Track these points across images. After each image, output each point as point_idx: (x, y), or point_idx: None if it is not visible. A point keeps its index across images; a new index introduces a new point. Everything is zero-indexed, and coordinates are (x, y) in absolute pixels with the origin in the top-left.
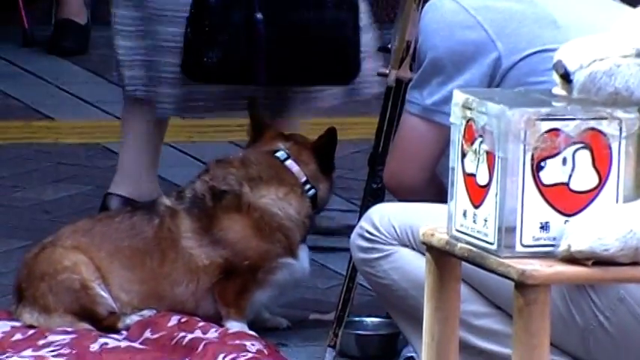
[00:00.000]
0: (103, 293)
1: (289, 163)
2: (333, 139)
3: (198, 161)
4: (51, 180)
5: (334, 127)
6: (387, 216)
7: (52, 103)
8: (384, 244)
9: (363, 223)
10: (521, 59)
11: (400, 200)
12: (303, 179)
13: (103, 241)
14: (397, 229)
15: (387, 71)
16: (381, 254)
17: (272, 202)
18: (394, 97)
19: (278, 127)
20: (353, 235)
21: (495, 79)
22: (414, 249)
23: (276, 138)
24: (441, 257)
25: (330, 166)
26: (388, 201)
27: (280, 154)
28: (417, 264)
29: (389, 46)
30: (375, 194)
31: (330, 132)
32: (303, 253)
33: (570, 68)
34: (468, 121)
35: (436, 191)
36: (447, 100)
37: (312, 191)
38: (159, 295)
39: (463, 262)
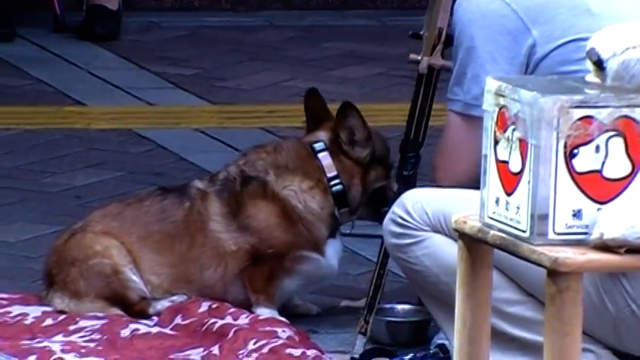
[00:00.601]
0: (134, 278)
1: (323, 155)
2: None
3: (229, 147)
4: (82, 165)
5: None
6: (419, 202)
7: (84, 88)
8: (417, 230)
9: (396, 208)
10: (555, 48)
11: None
12: (332, 174)
13: (133, 225)
14: (430, 215)
15: (419, 58)
16: (413, 240)
17: (294, 193)
18: (426, 84)
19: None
20: (385, 221)
21: (529, 67)
22: (446, 235)
23: (329, 128)
24: (473, 244)
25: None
26: (420, 187)
27: (318, 145)
28: (449, 250)
29: (421, 32)
30: (406, 181)
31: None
32: (331, 249)
33: (603, 56)
34: (500, 109)
35: None
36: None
37: (338, 187)
38: (188, 278)
39: (495, 249)
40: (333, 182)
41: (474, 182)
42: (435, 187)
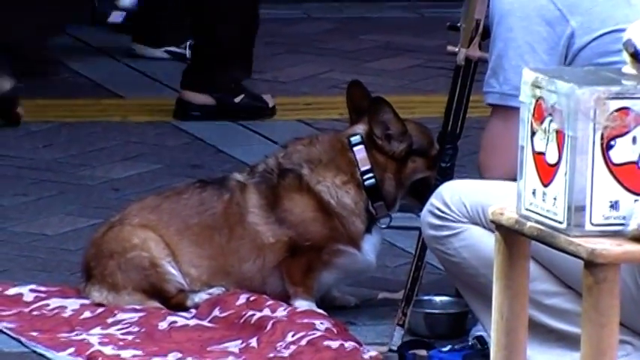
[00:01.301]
0: (172, 270)
1: (358, 149)
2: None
3: (267, 139)
4: (120, 158)
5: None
6: (458, 194)
7: (121, 81)
8: (455, 221)
9: (434, 200)
10: (593, 39)
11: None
12: (365, 168)
13: (171, 218)
14: (468, 207)
15: (457, 50)
16: (451, 232)
17: (326, 188)
18: (463, 76)
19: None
20: (424, 212)
21: (567, 58)
22: (484, 227)
23: (368, 120)
24: (511, 236)
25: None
26: (458, 179)
27: (354, 139)
28: (487, 242)
29: (458, 24)
30: (444, 173)
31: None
32: (368, 245)
33: None
34: (537, 100)
35: None
36: None
37: (370, 181)
38: (227, 270)
39: (533, 241)
40: (366, 176)
41: (514, 175)
42: (473, 178)
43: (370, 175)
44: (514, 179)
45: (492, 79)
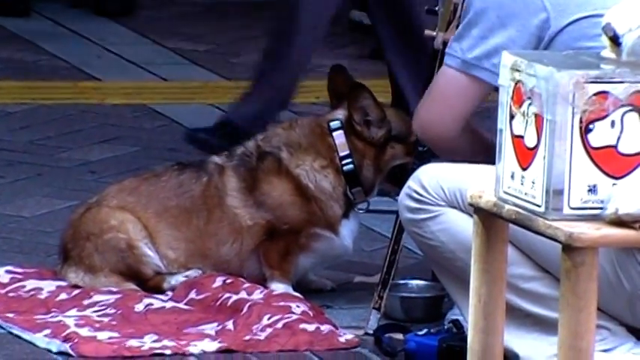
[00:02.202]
0: (149, 252)
1: (337, 134)
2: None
3: None
4: (97, 140)
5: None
6: (435, 177)
7: (99, 63)
8: (433, 205)
9: (412, 183)
10: (570, 23)
11: (440, 154)
12: (344, 153)
13: (149, 200)
14: (446, 191)
15: (434, 34)
16: (429, 215)
17: (305, 172)
18: (441, 60)
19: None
20: (401, 196)
21: (543, 42)
22: (462, 211)
23: (347, 106)
24: (489, 219)
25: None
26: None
27: (334, 124)
28: (465, 226)
29: (436, 8)
30: (421, 157)
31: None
32: (346, 229)
33: (619, 31)
34: (516, 83)
35: (470, 140)
36: (488, 55)
37: (349, 166)
38: (205, 253)
39: (511, 225)
40: (344, 161)
41: (448, 137)
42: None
43: (349, 160)
44: (445, 143)
45: (456, 44)
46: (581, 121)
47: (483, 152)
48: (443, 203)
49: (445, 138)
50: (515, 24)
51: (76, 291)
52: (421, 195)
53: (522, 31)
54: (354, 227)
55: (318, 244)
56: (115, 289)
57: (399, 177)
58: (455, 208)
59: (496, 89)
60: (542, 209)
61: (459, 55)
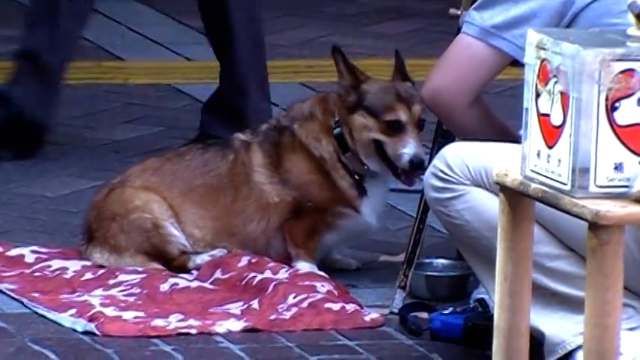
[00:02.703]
0: (175, 232)
1: (335, 100)
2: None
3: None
4: (121, 120)
5: None
6: (461, 156)
7: (122, 43)
8: (458, 183)
9: (437, 162)
10: (595, 0)
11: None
12: (337, 118)
13: (174, 180)
14: (471, 169)
15: (459, 12)
16: (454, 194)
17: (312, 141)
18: None
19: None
20: (426, 174)
21: (566, 18)
22: (487, 189)
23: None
24: (515, 197)
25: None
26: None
27: (335, 90)
28: (490, 205)
29: None
30: (445, 135)
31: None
32: (367, 207)
33: None
34: (542, 62)
35: (479, 118)
36: (508, 25)
37: (337, 130)
38: (232, 231)
39: (537, 203)
40: (336, 125)
41: (457, 108)
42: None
43: (338, 124)
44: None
45: (475, 12)
46: (607, 99)
47: (493, 134)
48: (468, 182)
49: (454, 108)
50: None
51: (102, 270)
52: (446, 174)
53: (545, 5)
54: (377, 205)
55: (342, 221)
56: (140, 269)
57: (388, 160)
58: (480, 187)
59: (513, 62)
60: (568, 187)
61: (477, 22)
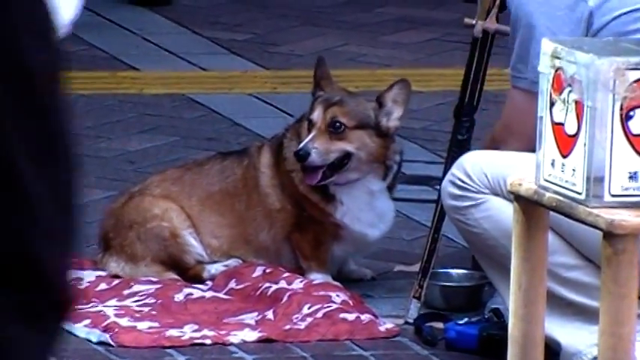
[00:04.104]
0: (192, 242)
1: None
2: None
3: (283, 112)
4: (135, 130)
5: None
6: (479, 164)
7: (137, 53)
8: (476, 192)
9: (455, 170)
10: (612, 19)
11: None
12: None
13: (193, 189)
14: (489, 178)
15: (474, 22)
16: (472, 202)
17: (287, 143)
18: (480, 48)
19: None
20: (444, 182)
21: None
22: (505, 198)
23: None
24: (529, 207)
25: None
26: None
27: None
28: (508, 213)
29: None
30: (460, 145)
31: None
32: (347, 216)
33: None
34: (556, 70)
35: None
36: None
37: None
38: (247, 239)
39: (554, 213)
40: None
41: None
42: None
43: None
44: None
45: (520, 65)
46: (621, 108)
47: None
48: (486, 191)
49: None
50: (565, 32)
51: (116, 281)
52: (464, 182)
53: (573, 35)
54: (361, 213)
55: (341, 231)
56: (154, 279)
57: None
58: (498, 195)
59: None
60: (582, 197)
61: (526, 75)
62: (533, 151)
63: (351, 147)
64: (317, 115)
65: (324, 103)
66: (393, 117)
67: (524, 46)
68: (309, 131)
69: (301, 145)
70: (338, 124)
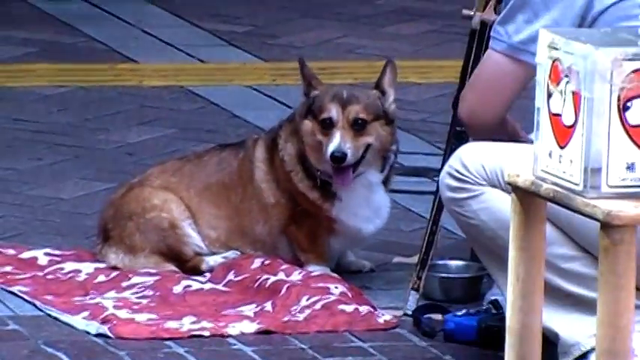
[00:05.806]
0: (191, 233)
1: None
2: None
3: (282, 104)
4: (134, 122)
5: None
6: (477, 156)
7: (136, 45)
8: (474, 184)
9: (453, 162)
10: (614, 3)
11: (473, 137)
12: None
13: (192, 180)
14: (487, 170)
15: (472, 13)
16: (470, 194)
17: (282, 142)
18: (479, 40)
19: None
20: (442, 174)
21: (586, 21)
22: (503, 190)
23: None
24: (527, 198)
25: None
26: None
27: None
28: (506, 205)
29: None
30: (459, 137)
31: None
32: (343, 212)
33: None
34: (554, 61)
35: (504, 129)
36: (534, 39)
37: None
38: (243, 231)
39: (552, 204)
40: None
41: (494, 124)
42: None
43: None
44: (492, 127)
45: (501, 27)
46: (619, 99)
47: (504, 134)
48: (484, 182)
49: (491, 124)
50: (559, 6)
51: (115, 273)
52: (462, 174)
53: (567, 13)
54: (359, 208)
55: (337, 225)
56: (153, 271)
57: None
58: (496, 187)
59: None
60: (580, 187)
61: (505, 39)
62: (498, 117)
63: (371, 139)
64: (335, 113)
65: (339, 101)
66: (390, 100)
67: (512, 11)
68: (330, 131)
69: (334, 147)
70: (360, 120)
